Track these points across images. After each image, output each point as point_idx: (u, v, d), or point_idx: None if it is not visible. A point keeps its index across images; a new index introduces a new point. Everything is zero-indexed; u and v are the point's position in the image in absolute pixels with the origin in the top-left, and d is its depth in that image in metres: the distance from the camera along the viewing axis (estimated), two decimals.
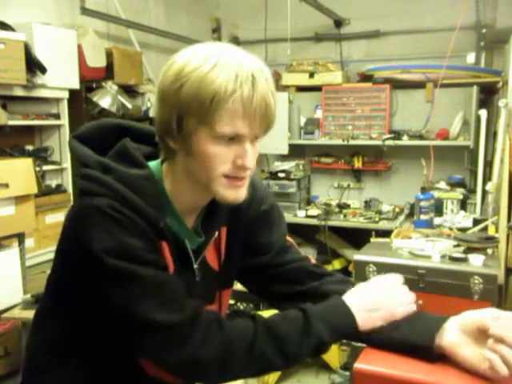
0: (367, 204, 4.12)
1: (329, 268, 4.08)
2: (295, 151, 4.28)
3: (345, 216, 3.92)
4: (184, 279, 0.94)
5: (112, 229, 0.84)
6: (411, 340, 0.90)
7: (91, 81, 3.47)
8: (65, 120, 3.30)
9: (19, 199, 2.65)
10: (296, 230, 4.45)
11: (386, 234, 2.93)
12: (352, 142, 4.02)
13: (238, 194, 0.91)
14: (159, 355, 0.87)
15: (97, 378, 0.96)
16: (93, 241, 0.83)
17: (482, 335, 0.86)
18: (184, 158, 0.91)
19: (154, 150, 0.98)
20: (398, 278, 1.02)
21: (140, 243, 0.86)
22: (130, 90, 3.86)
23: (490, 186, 2.98)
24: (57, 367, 0.96)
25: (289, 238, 1.14)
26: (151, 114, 4.05)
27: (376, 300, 0.97)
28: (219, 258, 1.06)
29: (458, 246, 2.44)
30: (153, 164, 0.96)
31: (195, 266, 0.99)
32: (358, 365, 0.90)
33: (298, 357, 0.91)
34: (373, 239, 2.83)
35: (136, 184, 0.89)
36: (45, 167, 3.19)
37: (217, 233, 1.03)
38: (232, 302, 3.19)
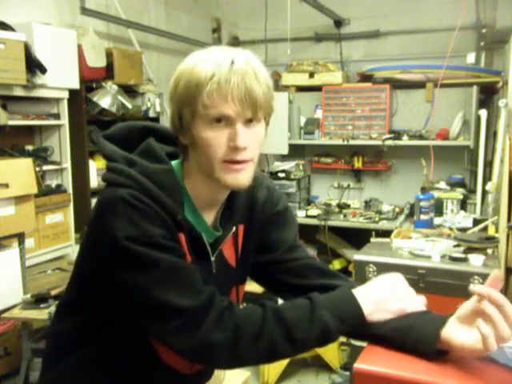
0: (367, 204, 4.12)
1: None
2: (295, 151, 4.28)
3: (345, 216, 3.93)
4: (201, 269, 0.98)
5: (134, 217, 0.89)
6: (417, 327, 0.92)
7: (91, 81, 3.47)
8: (65, 120, 3.30)
9: (19, 199, 2.65)
10: None
11: (386, 233, 2.93)
12: (352, 142, 4.02)
13: (238, 178, 0.94)
14: (173, 338, 0.91)
15: (115, 361, 1.01)
16: (116, 228, 0.88)
17: (477, 317, 0.88)
18: (193, 151, 0.97)
19: (177, 149, 1.03)
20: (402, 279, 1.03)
21: (160, 231, 0.91)
22: (130, 90, 3.86)
23: (489, 186, 2.98)
24: (78, 349, 1.02)
25: (299, 240, 1.19)
26: (151, 113, 4.06)
27: (386, 294, 0.99)
28: (236, 255, 1.10)
29: (457, 245, 2.44)
30: (174, 162, 1.02)
31: (212, 259, 1.03)
32: (358, 365, 0.90)
33: (305, 343, 0.94)
34: (373, 239, 2.83)
35: (157, 177, 0.95)
36: (45, 167, 3.19)
37: (234, 228, 1.07)
38: None
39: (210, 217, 1.04)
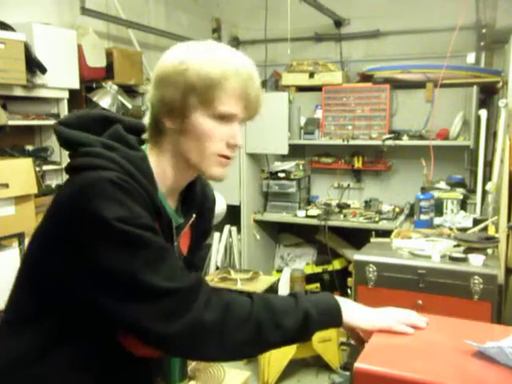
0: (367, 204, 4.12)
1: (329, 268, 4.09)
2: (295, 151, 4.28)
3: (345, 216, 3.92)
4: None
5: (124, 199, 0.88)
6: None
7: (91, 81, 3.47)
8: None
9: (19, 199, 2.65)
10: (296, 229, 4.47)
11: (386, 233, 2.93)
12: (352, 142, 4.02)
13: (224, 172, 1.02)
14: (159, 323, 0.89)
15: (84, 364, 0.97)
16: (105, 210, 0.86)
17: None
18: (176, 138, 0.99)
19: (138, 138, 1.04)
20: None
21: (145, 213, 0.92)
22: (130, 90, 3.86)
23: (490, 186, 2.98)
24: (36, 364, 0.95)
25: None
26: None
27: (370, 308, 1.09)
28: (190, 243, 1.14)
29: (458, 245, 2.44)
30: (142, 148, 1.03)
31: (175, 244, 1.06)
32: (359, 364, 0.91)
33: (289, 330, 0.97)
34: (373, 239, 2.83)
35: (137, 163, 0.95)
36: (45, 167, 3.19)
37: (194, 216, 1.11)
38: None
39: (171, 204, 1.06)
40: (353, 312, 1.05)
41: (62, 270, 0.91)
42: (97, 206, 0.86)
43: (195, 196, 1.11)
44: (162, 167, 1.01)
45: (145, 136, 1.04)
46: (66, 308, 0.93)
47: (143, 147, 1.02)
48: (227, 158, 1.00)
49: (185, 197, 1.10)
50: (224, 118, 0.97)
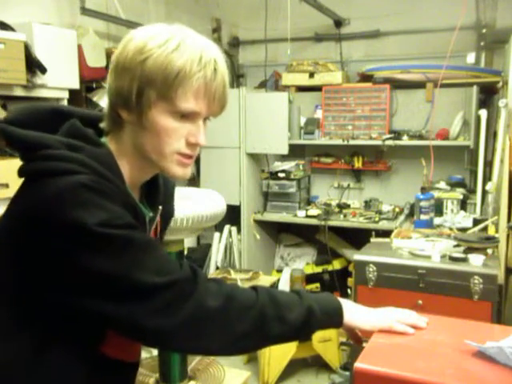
0: (367, 204, 4.12)
1: (329, 268, 4.09)
2: (295, 151, 4.28)
3: (345, 216, 3.92)
4: None
5: (99, 201, 0.83)
6: None
7: (91, 81, 3.47)
8: None
9: None
10: (296, 230, 4.47)
11: (386, 233, 2.93)
12: (352, 142, 4.02)
13: (186, 170, 0.95)
14: (158, 318, 0.85)
15: (67, 375, 0.92)
16: (84, 217, 0.80)
17: None
18: (135, 131, 0.92)
19: (96, 131, 0.96)
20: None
21: (124, 211, 0.88)
22: None
23: (490, 186, 2.98)
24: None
25: None
26: None
27: (370, 309, 1.09)
28: (155, 236, 1.10)
29: (458, 245, 2.44)
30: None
31: None
32: (359, 364, 0.91)
33: (292, 324, 0.96)
34: (373, 239, 2.83)
35: (104, 161, 0.89)
36: None
37: (160, 208, 1.07)
38: None
39: (135, 197, 1.01)
40: (353, 313, 1.05)
41: (39, 282, 0.85)
42: (75, 214, 0.80)
43: (159, 188, 1.06)
44: (122, 160, 0.94)
45: (103, 126, 0.97)
46: (46, 319, 0.88)
47: (102, 140, 0.95)
48: (188, 156, 0.94)
49: (149, 189, 1.05)
50: (185, 115, 0.90)
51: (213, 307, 0.88)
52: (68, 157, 0.85)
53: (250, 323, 0.91)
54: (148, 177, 1.01)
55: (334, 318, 1.03)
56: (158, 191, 1.06)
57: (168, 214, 1.15)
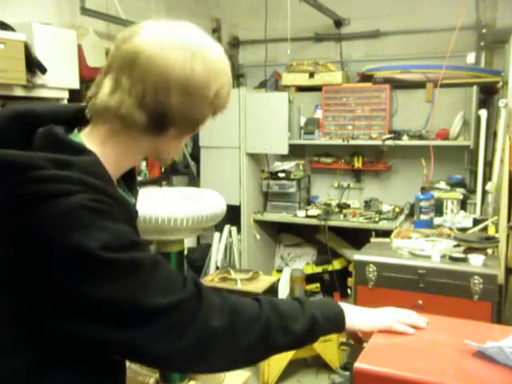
0: (367, 204, 4.12)
1: (329, 268, 4.09)
2: (295, 151, 4.28)
3: (345, 216, 3.92)
4: None
5: (100, 221, 0.79)
6: None
7: (91, 81, 3.45)
8: None
9: None
10: (296, 230, 4.47)
11: (386, 233, 2.93)
12: (352, 142, 4.02)
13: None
14: (163, 341, 0.82)
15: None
16: (86, 241, 0.76)
17: None
18: (151, 138, 0.91)
19: (65, 127, 0.89)
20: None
21: (128, 228, 0.85)
22: None
23: (490, 186, 2.98)
24: None
25: None
26: None
27: (370, 309, 1.10)
28: None
29: (458, 245, 2.44)
30: (73, 135, 0.90)
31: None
32: (359, 364, 0.91)
33: (295, 334, 0.96)
34: (373, 239, 2.83)
35: (95, 171, 0.83)
36: None
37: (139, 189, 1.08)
38: None
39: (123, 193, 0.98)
40: (353, 316, 1.05)
41: (39, 307, 0.80)
42: (77, 238, 0.76)
43: (135, 173, 1.04)
44: (106, 156, 0.88)
45: (91, 117, 0.91)
46: (45, 342, 0.83)
47: (78, 138, 0.88)
48: None
49: (126, 175, 0.98)
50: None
51: (218, 326, 0.86)
52: (59, 177, 0.79)
53: (255, 336, 0.90)
54: (130, 167, 0.98)
55: (337, 324, 1.03)
56: (135, 175, 1.04)
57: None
